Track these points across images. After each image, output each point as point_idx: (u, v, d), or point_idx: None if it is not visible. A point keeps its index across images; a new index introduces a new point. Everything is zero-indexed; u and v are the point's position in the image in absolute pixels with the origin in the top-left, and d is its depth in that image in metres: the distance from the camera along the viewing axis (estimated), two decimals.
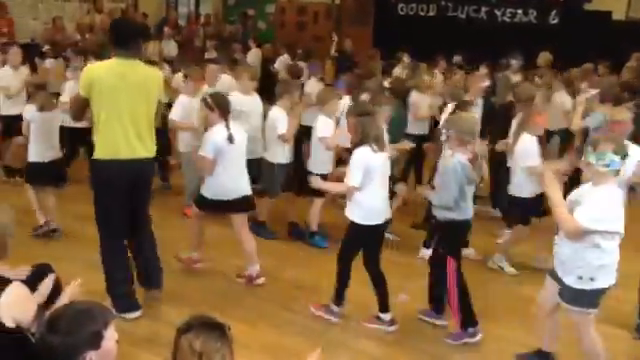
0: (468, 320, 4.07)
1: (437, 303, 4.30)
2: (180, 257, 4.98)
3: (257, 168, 5.65)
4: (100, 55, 7.15)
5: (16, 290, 2.58)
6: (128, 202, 4.14)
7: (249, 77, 6.08)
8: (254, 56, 11.13)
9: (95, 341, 2.07)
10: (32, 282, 2.91)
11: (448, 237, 4.13)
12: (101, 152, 4.04)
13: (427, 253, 4.79)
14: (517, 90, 6.10)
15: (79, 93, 4.03)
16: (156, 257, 4.47)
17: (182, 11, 15.13)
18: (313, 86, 7.53)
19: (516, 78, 8.18)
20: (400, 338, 4.20)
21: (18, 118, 5.88)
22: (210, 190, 4.65)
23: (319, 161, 5.59)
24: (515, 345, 4.07)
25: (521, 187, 5.07)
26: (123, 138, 3.99)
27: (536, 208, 5.11)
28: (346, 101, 6.04)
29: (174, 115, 5.98)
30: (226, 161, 4.54)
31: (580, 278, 3.37)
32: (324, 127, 5.52)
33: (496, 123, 6.19)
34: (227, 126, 4.50)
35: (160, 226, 4.69)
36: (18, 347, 2.54)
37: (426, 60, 9.04)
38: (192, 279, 4.92)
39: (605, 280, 3.39)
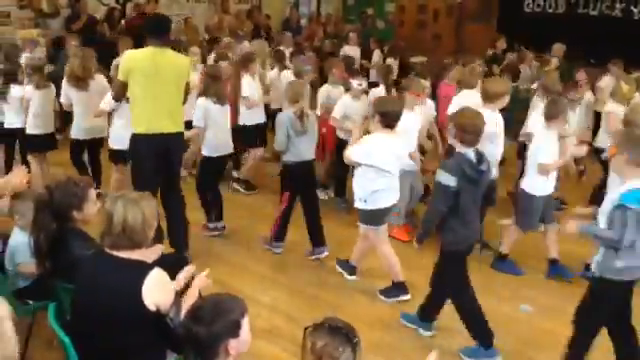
0: (279, 236, 5.33)
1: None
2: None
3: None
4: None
5: (158, 275, 2.70)
6: (159, 170, 4.75)
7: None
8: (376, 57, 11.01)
9: (235, 330, 2.19)
10: (167, 268, 3.08)
11: (285, 175, 5.26)
12: (137, 127, 4.64)
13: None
14: None
15: (119, 78, 4.67)
16: (182, 233, 4.93)
17: (304, 11, 15.45)
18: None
19: None
20: (520, 347, 4.09)
21: (255, 127, 6.81)
22: None
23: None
24: None
25: None
26: (155, 115, 4.57)
27: None
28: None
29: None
30: None
31: (359, 200, 4.47)
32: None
33: None
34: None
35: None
36: (158, 330, 2.70)
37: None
38: (309, 273, 5.07)
39: (377, 203, 4.43)
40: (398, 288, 4.67)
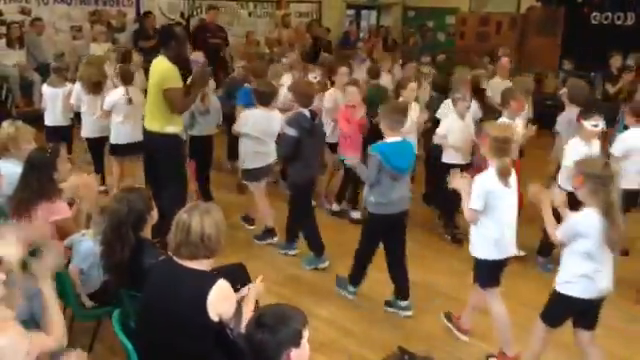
0: (206, 198, 6.12)
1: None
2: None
3: None
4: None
5: (223, 287, 2.74)
6: (149, 164, 5.39)
7: None
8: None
9: (297, 339, 2.19)
10: (226, 278, 3.09)
11: (190, 146, 6.23)
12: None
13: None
14: None
15: None
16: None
17: (364, 24, 15.49)
18: None
19: None
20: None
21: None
22: None
23: None
24: None
25: None
26: (145, 114, 5.33)
27: None
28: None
29: None
30: None
31: (242, 161, 5.63)
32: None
33: None
34: None
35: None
36: (219, 340, 2.73)
37: None
38: (364, 287, 5.01)
39: (253, 163, 5.54)
40: (268, 232, 5.82)
